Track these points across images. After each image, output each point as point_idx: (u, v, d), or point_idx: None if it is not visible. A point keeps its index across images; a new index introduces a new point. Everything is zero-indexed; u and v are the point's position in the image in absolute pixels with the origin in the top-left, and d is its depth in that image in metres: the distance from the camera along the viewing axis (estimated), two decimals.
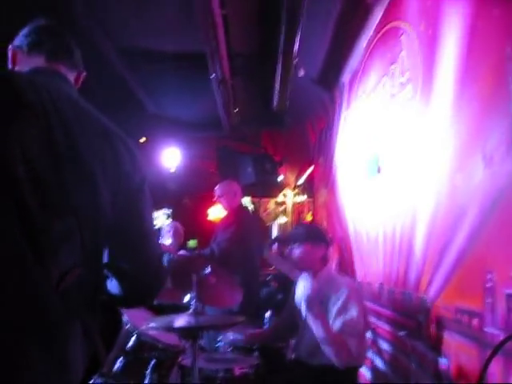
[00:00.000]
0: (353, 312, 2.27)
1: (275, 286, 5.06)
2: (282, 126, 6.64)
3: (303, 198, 8.41)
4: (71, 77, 1.23)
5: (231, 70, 4.55)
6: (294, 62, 3.73)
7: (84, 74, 1.30)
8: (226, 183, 4.11)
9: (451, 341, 2.03)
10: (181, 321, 1.84)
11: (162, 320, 1.97)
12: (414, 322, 2.43)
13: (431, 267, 2.23)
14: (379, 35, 3.17)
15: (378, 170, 3.12)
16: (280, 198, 9.63)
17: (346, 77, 4.19)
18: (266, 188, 8.11)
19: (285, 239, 2.72)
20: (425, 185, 2.35)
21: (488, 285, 1.71)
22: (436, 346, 2.17)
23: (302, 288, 2.27)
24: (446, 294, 2.08)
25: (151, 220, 1.21)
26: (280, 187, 9.14)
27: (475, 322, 1.80)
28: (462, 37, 1.99)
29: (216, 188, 3.99)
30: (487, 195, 1.76)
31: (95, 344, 1.01)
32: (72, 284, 0.95)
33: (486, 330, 1.72)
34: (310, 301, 2.22)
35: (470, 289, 1.86)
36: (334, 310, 2.29)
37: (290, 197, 9.39)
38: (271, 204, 10.11)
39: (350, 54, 3.85)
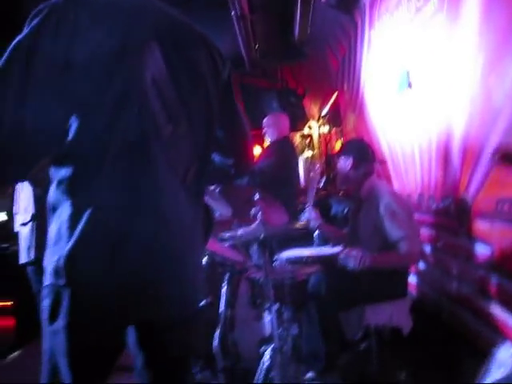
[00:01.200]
0: (399, 221, 2.47)
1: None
2: (302, 58, 6.66)
3: (328, 127, 8.49)
4: None
5: (250, 6, 4.59)
6: None
7: None
8: (274, 115, 4.22)
9: (493, 230, 2.23)
10: (254, 229, 2.08)
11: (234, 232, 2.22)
12: (457, 221, 2.63)
13: (469, 168, 2.40)
14: None
15: (409, 85, 3.22)
16: (305, 131, 9.71)
17: None
18: (292, 122, 8.20)
19: (333, 155, 2.90)
20: (458, 92, 2.47)
21: None
22: (480, 239, 2.38)
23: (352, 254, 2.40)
24: (485, 190, 2.26)
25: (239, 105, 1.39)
26: (305, 120, 9.20)
27: None
28: None
29: (264, 120, 4.09)
30: None
31: (210, 222, 1.27)
32: (191, 178, 1.17)
33: None
34: (359, 261, 2.37)
35: (509, 179, 2.03)
36: (384, 216, 2.49)
37: (315, 128, 9.46)
38: (297, 138, 10.21)
39: None
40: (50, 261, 1.04)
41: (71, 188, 1.03)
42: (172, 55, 1.14)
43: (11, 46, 0.98)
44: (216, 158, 1.37)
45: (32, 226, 2.58)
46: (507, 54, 1.98)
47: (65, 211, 1.03)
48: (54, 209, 1.06)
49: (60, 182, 1.05)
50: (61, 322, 1.03)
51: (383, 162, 3.91)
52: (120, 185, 1.04)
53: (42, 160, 1.03)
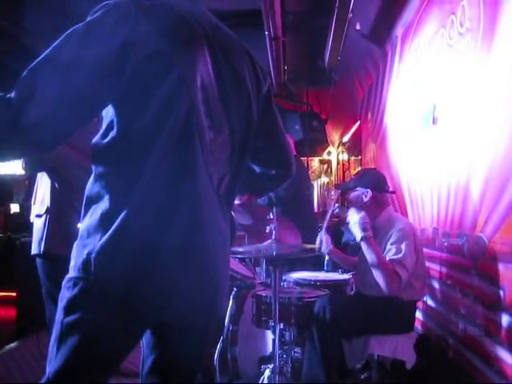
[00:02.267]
0: (404, 246, 2.45)
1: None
2: (329, 84, 6.70)
3: (348, 155, 8.50)
4: None
5: (284, 27, 4.65)
6: (349, 15, 3.81)
7: None
8: None
9: (507, 272, 2.20)
10: (266, 246, 2.09)
11: (248, 247, 2.23)
12: (469, 260, 2.61)
13: (488, 208, 2.39)
14: None
15: (434, 121, 3.23)
16: (324, 156, 9.73)
17: (399, 30, 4.24)
18: (312, 146, 8.22)
19: (348, 185, 2.89)
20: (483, 132, 2.47)
21: None
22: (491, 280, 2.35)
23: (356, 217, 2.46)
24: (503, 230, 2.24)
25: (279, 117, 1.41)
26: (325, 146, 9.22)
27: None
28: None
29: None
30: None
31: (234, 233, 1.28)
32: (224, 188, 1.18)
33: None
34: (364, 223, 2.41)
35: None
36: (388, 242, 2.49)
37: (334, 155, 9.48)
38: (315, 162, 10.24)
39: (404, 6, 3.90)
40: (80, 253, 1.04)
41: (110, 184, 1.04)
42: (220, 63, 1.16)
43: (71, 30, 1.00)
44: (257, 168, 1.40)
45: (45, 219, 2.61)
46: None
47: (101, 206, 1.03)
48: (90, 202, 1.07)
49: (100, 177, 1.06)
50: (80, 315, 1.03)
51: (393, 192, 3.90)
52: (160, 186, 1.04)
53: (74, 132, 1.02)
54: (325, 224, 3.27)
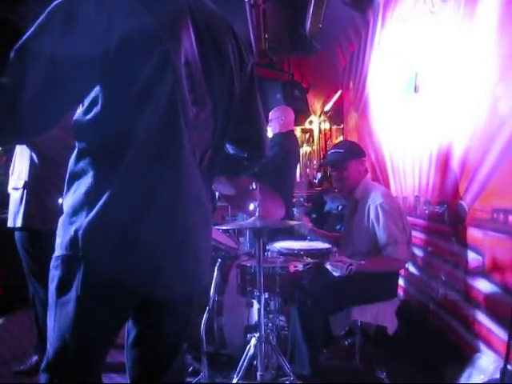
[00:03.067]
0: (393, 227, 2.48)
1: (309, 206, 5.33)
2: (310, 52, 6.64)
3: (329, 124, 8.50)
4: None
5: None
6: None
7: None
8: (280, 108, 4.22)
9: (486, 239, 2.25)
10: (250, 222, 2.09)
11: (233, 223, 2.22)
12: (450, 227, 2.65)
13: (469, 176, 2.41)
14: None
15: (416, 89, 3.23)
16: (306, 126, 9.72)
17: None
18: (294, 115, 8.18)
19: (330, 162, 2.88)
20: (465, 99, 2.48)
21: None
22: (471, 247, 2.40)
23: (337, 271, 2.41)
24: (482, 198, 2.27)
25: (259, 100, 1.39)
26: (306, 115, 9.19)
27: (511, 218, 2.01)
28: None
29: (270, 112, 4.09)
30: None
31: (214, 206, 1.28)
32: (206, 163, 1.18)
33: None
34: (347, 269, 2.37)
35: (507, 190, 2.05)
36: (375, 219, 2.51)
37: (316, 124, 9.47)
38: (297, 131, 10.22)
39: None
40: (66, 231, 1.04)
41: (94, 160, 1.03)
42: (204, 39, 1.14)
43: (53, 6, 0.96)
44: (230, 149, 1.38)
45: (22, 193, 2.57)
46: None
47: (85, 182, 1.03)
48: (73, 178, 1.06)
49: (83, 153, 1.04)
50: (73, 294, 1.03)
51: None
52: (144, 161, 1.04)
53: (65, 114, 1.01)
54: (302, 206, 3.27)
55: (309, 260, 2.53)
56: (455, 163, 2.60)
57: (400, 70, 3.60)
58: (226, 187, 2.48)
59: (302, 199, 5.77)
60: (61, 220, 1.07)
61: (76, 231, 1.01)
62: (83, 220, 1.00)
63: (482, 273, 2.28)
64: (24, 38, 0.94)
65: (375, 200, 2.56)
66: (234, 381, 2.13)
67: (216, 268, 2.43)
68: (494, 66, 2.18)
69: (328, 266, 2.41)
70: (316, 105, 9.03)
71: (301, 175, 9.84)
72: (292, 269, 2.43)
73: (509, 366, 1.80)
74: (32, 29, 0.95)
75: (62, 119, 1.00)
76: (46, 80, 0.93)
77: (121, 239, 1.02)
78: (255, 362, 2.14)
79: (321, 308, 2.39)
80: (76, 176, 1.05)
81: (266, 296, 2.40)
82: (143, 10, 1.02)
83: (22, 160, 2.60)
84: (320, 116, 9.14)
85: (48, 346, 1.09)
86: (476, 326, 2.34)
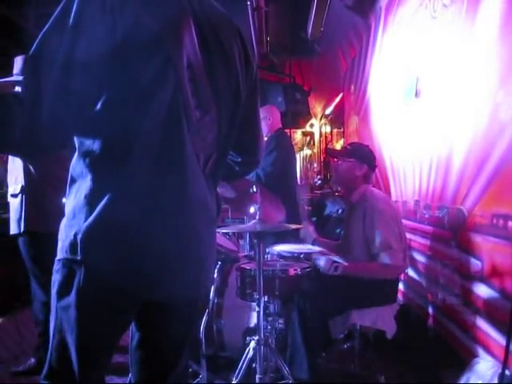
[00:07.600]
0: (381, 227, 2.48)
1: (309, 210, 5.34)
2: (312, 55, 6.65)
3: (330, 128, 8.51)
4: None
5: None
6: None
7: None
8: (264, 108, 4.22)
9: (486, 244, 2.25)
10: (250, 226, 2.09)
11: (233, 226, 2.23)
12: (449, 232, 2.66)
13: (469, 181, 2.42)
14: None
15: (417, 94, 3.24)
16: (307, 128, 9.73)
17: (383, 1, 4.20)
18: (295, 118, 8.20)
19: (334, 152, 2.90)
20: (466, 104, 2.49)
21: None
22: (470, 252, 2.40)
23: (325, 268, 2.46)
24: (482, 203, 2.28)
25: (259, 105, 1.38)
26: (307, 118, 9.21)
27: (511, 224, 2.01)
28: None
29: None
30: None
31: (219, 208, 1.26)
32: (210, 167, 1.17)
33: None
34: (334, 269, 2.42)
35: (507, 195, 2.05)
36: (370, 224, 2.51)
37: (316, 127, 9.48)
38: (298, 134, 10.24)
39: None
40: (67, 235, 1.03)
41: (95, 162, 1.01)
42: (209, 41, 1.13)
43: (58, 9, 0.97)
44: None
45: (21, 198, 2.57)
46: None
47: (85, 185, 1.01)
48: (74, 181, 1.05)
49: (84, 155, 1.03)
50: (72, 298, 1.02)
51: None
52: (146, 165, 1.02)
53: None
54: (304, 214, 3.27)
55: (309, 264, 2.53)
56: (455, 168, 2.61)
57: (401, 75, 3.61)
58: (227, 190, 2.48)
59: (302, 202, 5.78)
60: (62, 223, 1.06)
61: (75, 235, 1.00)
62: (82, 224, 1.00)
63: (481, 278, 2.29)
64: (35, 44, 0.95)
65: (372, 206, 2.55)
66: (233, 383, 2.13)
67: (216, 271, 2.44)
68: (494, 72, 2.19)
69: (314, 258, 2.41)
70: (317, 108, 9.04)
71: (301, 178, 9.85)
72: (292, 272, 2.42)
73: (507, 371, 1.81)
74: (41, 35, 0.96)
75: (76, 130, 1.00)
76: (60, 87, 0.94)
77: (121, 244, 1.01)
78: (254, 365, 2.14)
79: (320, 311, 2.40)
80: (76, 179, 1.04)
81: (266, 299, 2.41)
82: (144, 12, 1.01)
83: (15, 166, 2.61)
84: (321, 119, 9.15)
85: (49, 351, 1.09)
86: (474, 330, 2.34)
